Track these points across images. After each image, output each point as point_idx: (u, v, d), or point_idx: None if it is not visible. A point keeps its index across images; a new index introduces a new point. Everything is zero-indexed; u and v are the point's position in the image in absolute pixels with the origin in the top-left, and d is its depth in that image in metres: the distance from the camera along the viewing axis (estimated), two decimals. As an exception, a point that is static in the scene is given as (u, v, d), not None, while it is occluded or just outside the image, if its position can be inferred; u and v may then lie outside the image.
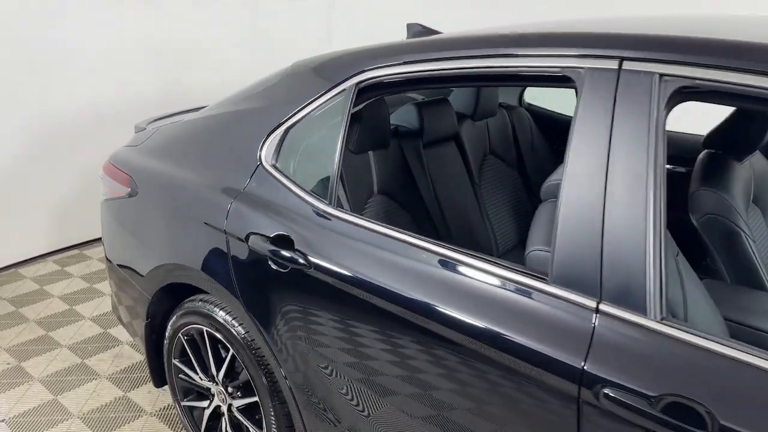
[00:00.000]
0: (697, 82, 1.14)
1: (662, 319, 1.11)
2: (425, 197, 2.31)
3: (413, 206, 2.27)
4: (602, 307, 1.17)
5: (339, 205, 1.68)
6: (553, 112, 2.96)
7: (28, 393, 2.70)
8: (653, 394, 1.06)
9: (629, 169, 1.17)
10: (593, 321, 1.16)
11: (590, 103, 1.23)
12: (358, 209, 2.03)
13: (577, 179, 1.23)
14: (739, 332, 1.65)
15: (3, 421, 2.52)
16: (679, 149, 2.42)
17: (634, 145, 1.17)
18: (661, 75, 1.17)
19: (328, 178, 1.68)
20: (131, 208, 2.20)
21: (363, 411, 1.59)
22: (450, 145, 2.47)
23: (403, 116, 2.34)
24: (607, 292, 1.17)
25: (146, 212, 2.13)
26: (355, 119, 1.96)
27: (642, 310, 1.12)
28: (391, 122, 2.35)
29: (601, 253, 1.18)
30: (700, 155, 2.01)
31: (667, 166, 2.46)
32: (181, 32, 4.43)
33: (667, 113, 1.19)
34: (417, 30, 2.00)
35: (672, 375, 1.07)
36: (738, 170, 1.97)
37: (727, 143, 1.98)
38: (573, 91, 1.41)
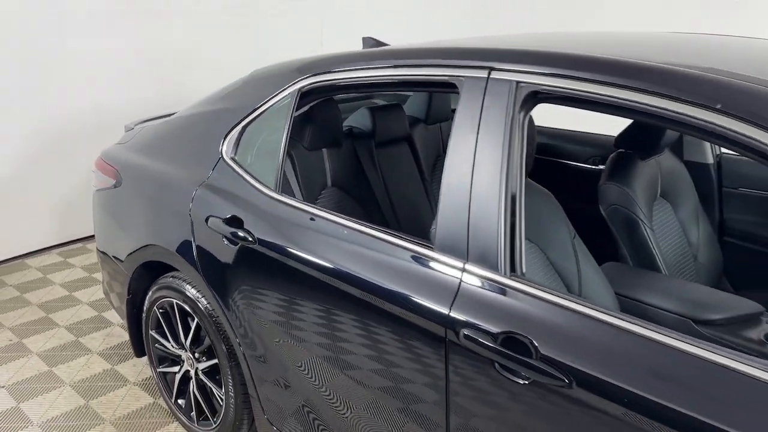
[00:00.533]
0: (544, 88, 1.43)
1: (509, 275, 1.40)
2: (376, 192, 2.60)
3: (365, 199, 2.56)
4: (467, 266, 1.46)
5: (285, 192, 1.97)
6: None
7: (27, 365, 3.01)
8: (496, 331, 1.35)
9: (490, 157, 1.46)
10: (460, 277, 1.45)
11: (466, 104, 1.53)
12: (311, 199, 2.33)
13: (453, 167, 1.52)
14: (626, 304, 1.92)
15: (3, 387, 2.83)
16: (603, 149, 2.70)
17: (494, 139, 1.46)
18: (518, 82, 1.46)
19: (278, 169, 1.98)
20: (116, 197, 2.52)
21: (307, 373, 1.87)
22: (402, 146, 2.76)
23: (358, 119, 2.64)
24: (472, 255, 1.45)
25: (128, 200, 2.45)
26: (307, 120, 2.27)
27: (495, 268, 1.41)
28: (347, 124, 2.66)
29: (468, 226, 1.47)
30: (612, 154, 2.30)
31: (591, 166, 2.74)
32: (178, 42, 4.77)
33: (525, 113, 1.48)
34: (371, 43, 2.31)
35: (511, 317, 1.35)
36: (642, 167, 2.25)
37: (632, 144, 2.26)
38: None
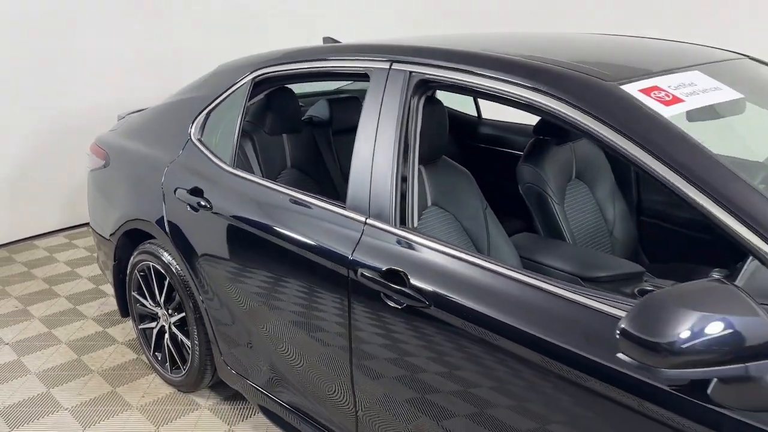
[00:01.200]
0: (429, 76, 1.77)
1: (398, 226, 1.74)
2: (332, 174, 2.95)
3: (321, 180, 2.91)
4: (368, 220, 1.80)
5: (243, 168, 2.33)
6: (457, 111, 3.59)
7: (29, 327, 3.40)
8: (383, 268, 1.69)
9: (387, 133, 1.80)
10: (362, 229, 1.79)
11: (373, 89, 1.87)
12: (272, 177, 2.68)
13: (361, 141, 1.86)
14: (528, 265, 2.24)
15: (7, 344, 3.21)
16: (529, 136, 3.02)
17: (391, 118, 1.80)
18: (410, 72, 1.80)
19: (236, 148, 2.33)
20: (105, 176, 2.90)
21: (254, 321, 2.22)
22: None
23: (318, 109, 2.99)
24: (372, 212, 1.80)
25: (114, 178, 2.82)
26: (267, 108, 2.63)
27: (388, 221, 1.75)
28: (308, 114, 3.01)
29: (369, 188, 1.81)
30: (531, 140, 2.62)
31: (517, 151, 3.07)
32: (179, 42, 5.17)
33: (419, 98, 1.82)
34: (329, 42, 2.67)
35: (394, 258, 1.69)
36: (556, 152, 2.57)
37: (547, 131, 2.58)
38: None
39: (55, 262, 4.31)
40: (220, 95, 2.44)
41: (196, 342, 2.55)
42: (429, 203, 2.14)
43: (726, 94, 1.60)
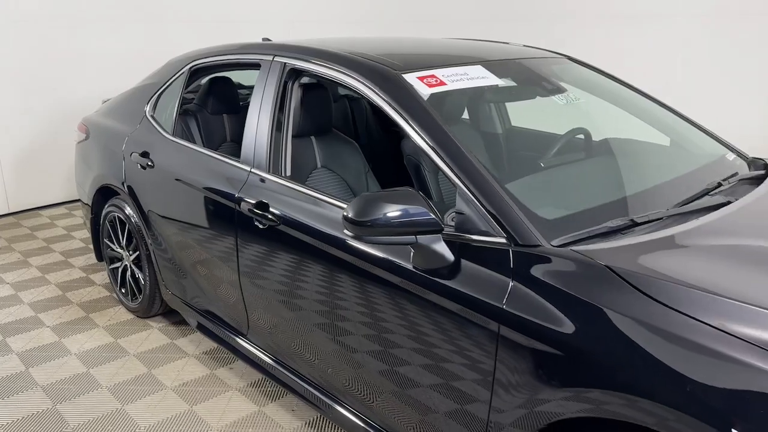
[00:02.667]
0: (296, 66, 2.47)
1: (271, 172, 2.43)
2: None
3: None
4: (252, 170, 2.50)
5: (182, 138, 3.05)
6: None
7: (27, 273, 4.16)
8: (254, 201, 2.39)
9: (267, 106, 2.50)
10: (247, 176, 2.50)
11: (261, 76, 2.58)
12: (213, 147, 3.39)
13: (251, 113, 2.56)
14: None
15: (8, 284, 3.97)
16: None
17: (270, 97, 2.50)
18: (284, 63, 2.51)
19: (176, 121, 3.05)
20: (86, 147, 3.64)
21: (186, 257, 2.93)
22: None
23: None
24: (255, 163, 2.50)
25: (92, 148, 3.56)
26: (209, 93, 3.34)
27: (265, 170, 2.45)
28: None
29: (254, 147, 2.51)
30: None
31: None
32: (172, 44, 5.92)
33: (292, 84, 2.51)
34: (266, 41, 3.38)
35: (263, 194, 2.38)
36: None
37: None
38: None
39: (55, 227, 5.09)
40: (168, 81, 3.17)
41: (147, 275, 3.27)
42: (318, 165, 2.84)
43: (488, 81, 2.27)
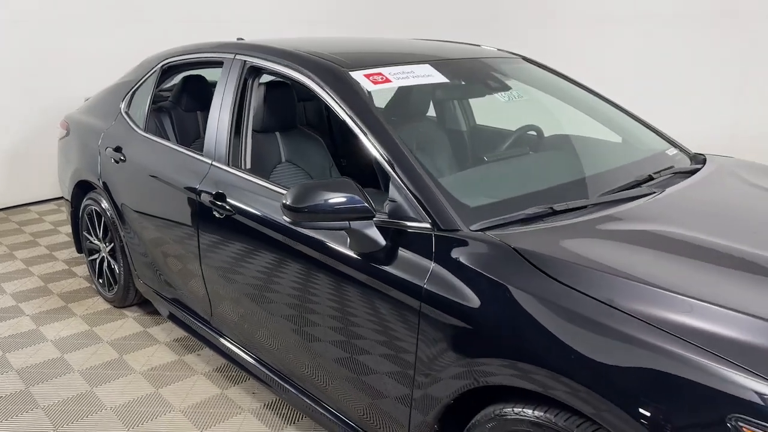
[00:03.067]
0: (254, 64, 2.60)
1: (231, 165, 2.56)
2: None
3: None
4: (213, 162, 2.62)
5: (152, 132, 3.18)
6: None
7: (11, 265, 4.29)
8: (215, 192, 2.51)
9: (227, 102, 2.63)
10: (208, 168, 2.62)
11: (224, 73, 2.70)
12: (187, 144, 3.52)
13: (213, 108, 2.69)
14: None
15: (-8, 275, 4.11)
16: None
17: (231, 96, 2.63)
18: (244, 61, 2.64)
19: (147, 117, 3.18)
20: (66, 143, 3.78)
21: (153, 244, 3.05)
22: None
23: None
24: (215, 156, 2.62)
25: (72, 143, 3.70)
26: (183, 91, 3.47)
27: (225, 162, 2.57)
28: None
29: (215, 141, 2.63)
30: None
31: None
32: (162, 44, 6.07)
33: (251, 80, 2.64)
34: (240, 40, 3.51)
35: (222, 185, 2.51)
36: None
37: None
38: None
39: (42, 222, 5.23)
40: (141, 79, 3.31)
41: (121, 266, 3.40)
42: (283, 159, 2.96)
43: (434, 79, 2.40)
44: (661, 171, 2.35)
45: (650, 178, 2.28)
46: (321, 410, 2.26)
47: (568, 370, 1.41)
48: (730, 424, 1.22)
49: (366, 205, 1.86)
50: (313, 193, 1.86)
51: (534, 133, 2.92)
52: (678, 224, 1.88)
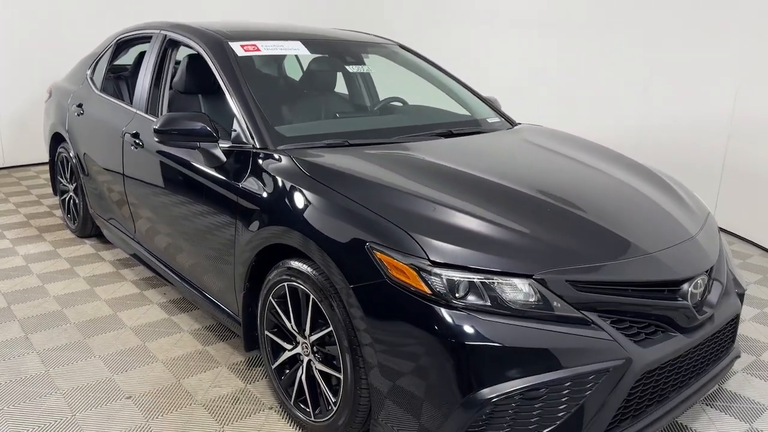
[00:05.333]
0: (171, 38, 3.42)
1: (148, 113, 3.38)
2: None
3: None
4: (137, 112, 3.45)
5: (107, 93, 4.02)
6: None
7: (4, 206, 5.19)
8: (134, 131, 3.33)
9: (149, 69, 3.45)
10: (134, 115, 3.45)
11: (151, 46, 3.53)
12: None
13: (141, 73, 3.52)
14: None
15: (-13, 212, 5.00)
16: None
17: (153, 60, 3.45)
18: (165, 35, 3.46)
19: (103, 81, 4.03)
20: (48, 105, 4.66)
21: (99, 179, 3.88)
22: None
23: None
24: (140, 107, 3.45)
25: (51, 104, 4.57)
26: (138, 63, 4.32)
27: (144, 111, 3.40)
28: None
29: (141, 94, 3.47)
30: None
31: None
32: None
33: (171, 52, 3.46)
34: None
35: (138, 126, 3.33)
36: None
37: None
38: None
39: (38, 179, 6.14)
40: (103, 51, 4.17)
41: (80, 202, 4.26)
42: (204, 117, 3.77)
43: (299, 52, 3.19)
44: (462, 126, 3.11)
45: (451, 133, 3.02)
46: (203, 298, 2.99)
47: (313, 235, 2.16)
48: (367, 248, 1.98)
49: (210, 131, 2.64)
50: (174, 120, 2.66)
51: (400, 103, 3.69)
52: (432, 156, 2.63)
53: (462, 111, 3.51)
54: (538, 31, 6.20)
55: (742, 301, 2.44)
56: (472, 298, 1.85)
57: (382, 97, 4.16)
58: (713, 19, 4.79)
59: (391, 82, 3.89)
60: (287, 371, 2.44)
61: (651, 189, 2.57)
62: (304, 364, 2.33)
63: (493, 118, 3.43)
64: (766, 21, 4.41)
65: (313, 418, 2.31)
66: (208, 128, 2.65)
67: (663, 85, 5.25)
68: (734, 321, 2.41)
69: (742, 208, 4.75)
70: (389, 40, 3.86)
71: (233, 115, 2.74)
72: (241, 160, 2.60)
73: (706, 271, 2.18)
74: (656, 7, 5.22)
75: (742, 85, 4.62)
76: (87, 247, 4.32)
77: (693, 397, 2.22)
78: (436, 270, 1.87)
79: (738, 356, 2.53)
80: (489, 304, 1.85)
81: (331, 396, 2.21)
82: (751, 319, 3.45)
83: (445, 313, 1.83)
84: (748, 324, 3.38)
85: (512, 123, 3.46)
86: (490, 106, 3.56)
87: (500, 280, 1.87)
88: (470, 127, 3.21)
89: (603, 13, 5.69)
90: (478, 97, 3.62)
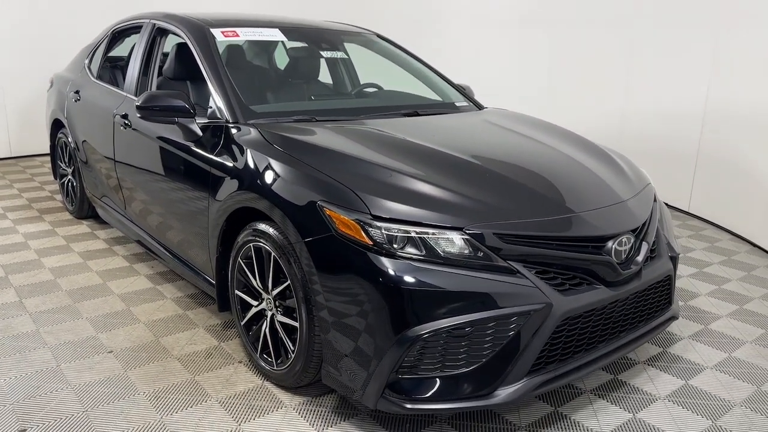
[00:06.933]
0: (159, 26, 3.65)
1: (137, 96, 3.62)
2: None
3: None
4: (127, 95, 3.69)
5: (103, 80, 4.27)
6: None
7: (9, 191, 5.45)
8: (123, 112, 3.56)
9: (139, 56, 3.69)
10: (124, 98, 3.68)
11: (141, 34, 3.77)
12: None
13: (131, 60, 3.75)
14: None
15: (-9, 196, 5.27)
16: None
17: (142, 47, 3.69)
18: (154, 24, 3.69)
19: (99, 69, 4.27)
20: (50, 93, 4.92)
21: (94, 160, 4.13)
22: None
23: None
24: (130, 91, 3.69)
25: (52, 92, 4.83)
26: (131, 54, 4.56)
27: (134, 94, 3.63)
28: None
29: (131, 79, 3.70)
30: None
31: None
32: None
33: (159, 39, 3.69)
34: None
35: (127, 108, 3.56)
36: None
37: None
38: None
39: (42, 168, 6.41)
40: (100, 41, 4.41)
41: (77, 183, 4.50)
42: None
43: (275, 38, 3.41)
44: (427, 108, 3.32)
45: (416, 113, 3.23)
46: (188, 270, 3.19)
47: (274, 198, 2.36)
48: (318, 206, 2.19)
49: (188, 107, 2.86)
50: (155, 98, 2.88)
51: (375, 89, 3.90)
52: (391, 130, 2.83)
53: (433, 96, 3.71)
54: (528, 31, 6.41)
55: (675, 264, 2.62)
56: (410, 249, 2.05)
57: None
58: (687, 18, 4.98)
59: (367, 69, 4.11)
60: (254, 327, 2.65)
61: (592, 161, 2.77)
62: (268, 319, 2.54)
63: (461, 102, 3.63)
64: (735, 18, 4.59)
65: (275, 367, 2.51)
66: (186, 105, 2.86)
67: (642, 80, 5.44)
68: (667, 281, 2.59)
69: (714, 194, 4.92)
70: (366, 29, 4.07)
71: (210, 95, 2.95)
72: (216, 134, 2.82)
73: (633, 231, 2.36)
74: (635, 7, 5.42)
75: (713, 79, 4.80)
76: (83, 226, 4.56)
77: (623, 349, 2.40)
78: (377, 223, 2.07)
79: (675, 317, 2.70)
80: (424, 253, 2.04)
81: (291, 345, 2.41)
82: (707, 294, 3.62)
83: (383, 260, 2.03)
84: (703, 298, 3.55)
85: (480, 107, 3.65)
86: (461, 93, 3.75)
87: (435, 233, 2.07)
88: (436, 108, 3.41)
89: (586, 12, 5.90)
90: (451, 84, 3.82)
